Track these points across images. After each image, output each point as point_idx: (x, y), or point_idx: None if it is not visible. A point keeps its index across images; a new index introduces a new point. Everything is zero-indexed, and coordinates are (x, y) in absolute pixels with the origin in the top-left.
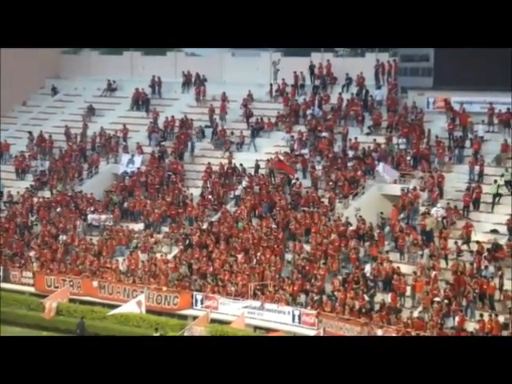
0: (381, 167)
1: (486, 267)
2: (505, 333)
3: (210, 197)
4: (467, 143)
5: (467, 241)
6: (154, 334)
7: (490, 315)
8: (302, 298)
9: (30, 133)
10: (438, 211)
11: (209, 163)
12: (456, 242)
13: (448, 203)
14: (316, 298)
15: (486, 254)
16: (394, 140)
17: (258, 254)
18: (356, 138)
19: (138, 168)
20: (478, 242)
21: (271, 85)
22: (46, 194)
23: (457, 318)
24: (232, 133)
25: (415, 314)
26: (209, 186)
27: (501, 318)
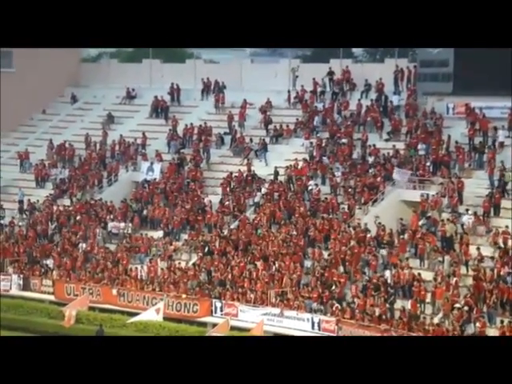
0: (395, 172)
1: (509, 273)
2: None
3: (227, 203)
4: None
5: (500, 247)
6: None
7: (511, 321)
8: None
9: (50, 141)
10: (470, 219)
11: (231, 173)
12: (478, 248)
13: (467, 209)
14: (336, 304)
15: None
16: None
17: (277, 261)
18: (374, 145)
19: (155, 178)
20: (499, 248)
21: (289, 91)
22: (66, 202)
23: (478, 325)
24: (251, 140)
25: (435, 320)
26: (228, 193)
27: None
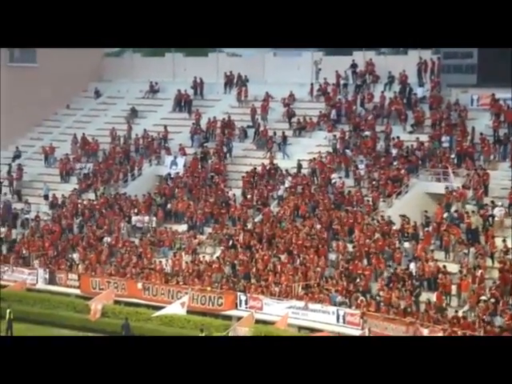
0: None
1: None
2: None
3: (249, 196)
4: None
5: None
6: (200, 335)
7: None
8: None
9: (74, 135)
10: (501, 211)
11: (255, 168)
12: (504, 240)
13: (492, 201)
14: (360, 297)
15: None
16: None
17: (302, 254)
18: (398, 137)
19: (178, 172)
20: None
21: (312, 84)
22: (91, 196)
23: (504, 317)
24: (274, 133)
25: (461, 313)
26: (252, 185)
27: None
